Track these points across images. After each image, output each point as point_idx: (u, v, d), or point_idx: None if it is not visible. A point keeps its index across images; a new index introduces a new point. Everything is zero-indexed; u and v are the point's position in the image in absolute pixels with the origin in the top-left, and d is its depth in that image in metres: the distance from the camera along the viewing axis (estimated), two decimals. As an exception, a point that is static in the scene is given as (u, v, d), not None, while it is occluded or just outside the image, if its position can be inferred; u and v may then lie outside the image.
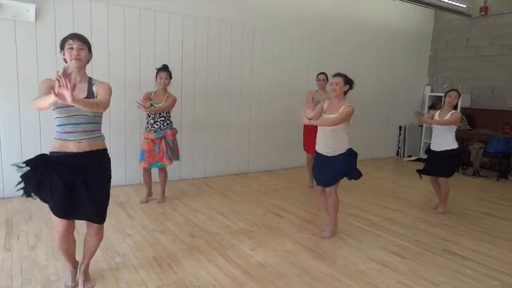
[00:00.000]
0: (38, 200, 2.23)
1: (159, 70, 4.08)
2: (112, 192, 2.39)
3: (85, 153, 2.22)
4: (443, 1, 6.69)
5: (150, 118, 4.12)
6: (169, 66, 4.16)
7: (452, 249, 3.31)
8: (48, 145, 4.36)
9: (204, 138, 5.56)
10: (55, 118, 2.21)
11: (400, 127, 8.09)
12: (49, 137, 4.39)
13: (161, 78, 4.04)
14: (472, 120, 7.28)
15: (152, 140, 4.09)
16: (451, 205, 4.57)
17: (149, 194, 4.37)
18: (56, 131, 2.23)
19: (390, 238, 3.53)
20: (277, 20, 5.97)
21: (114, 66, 4.69)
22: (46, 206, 2.12)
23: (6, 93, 4.14)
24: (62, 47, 2.23)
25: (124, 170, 4.93)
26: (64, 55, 2.22)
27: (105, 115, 2.41)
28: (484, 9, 7.20)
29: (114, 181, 2.48)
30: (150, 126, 4.11)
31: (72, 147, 2.20)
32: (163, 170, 4.29)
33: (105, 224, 2.42)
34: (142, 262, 2.85)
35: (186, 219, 3.82)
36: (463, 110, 7.16)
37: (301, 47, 6.35)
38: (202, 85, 5.43)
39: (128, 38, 4.76)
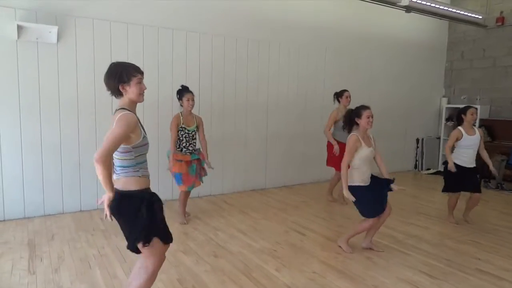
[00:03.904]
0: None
1: (183, 92, 3.99)
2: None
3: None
4: (458, 13, 6.64)
5: (184, 140, 4.05)
6: (186, 83, 4.15)
7: (485, 269, 3.18)
8: (68, 166, 4.41)
9: (222, 154, 5.53)
10: (137, 156, 2.05)
11: (418, 140, 7.97)
12: (69, 158, 4.42)
13: (188, 100, 3.97)
14: (492, 132, 7.14)
15: (185, 162, 4.03)
16: (477, 220, 4.44)
17: (187, 214, 4.40)
18: (141, 168, 2.09)
19: (418, 256, 3.42)
20: (292, 33, 5.98)
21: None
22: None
23: (28, 114, 4.19)
24: (125, 80, 1.99)
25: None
26: (124, 88, 2.00)
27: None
28: (501, 19, 7.12)
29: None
30: (185, 149, 4.06)
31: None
32: (189, 192, 4.25)
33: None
34: (167, 285, 2.79)
35: (208, 238, 3.77)
36: (482, 122, 7.05)
37: (316, 59, 6.33)
38: (219, 101, 5.44)
39: (146, 56, 4.80)
